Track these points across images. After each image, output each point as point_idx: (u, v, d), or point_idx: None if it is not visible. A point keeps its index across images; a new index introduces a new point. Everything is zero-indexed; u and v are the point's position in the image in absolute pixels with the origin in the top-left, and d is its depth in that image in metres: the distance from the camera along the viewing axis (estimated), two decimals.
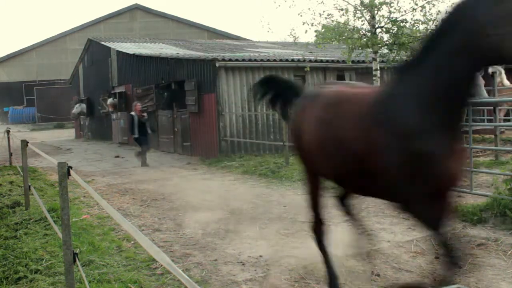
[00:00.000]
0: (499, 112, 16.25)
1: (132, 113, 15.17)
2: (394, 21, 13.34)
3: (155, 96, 19.27)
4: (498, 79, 11.82)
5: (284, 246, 5.97)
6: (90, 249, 5.95)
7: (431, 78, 3.21)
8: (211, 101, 15.23)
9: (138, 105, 15.28)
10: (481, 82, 12.14)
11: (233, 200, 8.95)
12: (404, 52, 13.86)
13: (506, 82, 12.92)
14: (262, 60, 15.63)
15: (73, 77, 32.07)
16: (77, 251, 4.65)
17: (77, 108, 28.13)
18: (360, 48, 13.85)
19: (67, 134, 33.21)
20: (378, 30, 13.66)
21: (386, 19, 13.49)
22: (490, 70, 11.80)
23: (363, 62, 16.44)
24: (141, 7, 46.18)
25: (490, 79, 12.88)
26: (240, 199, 9.01)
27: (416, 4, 13.20)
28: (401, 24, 13.41)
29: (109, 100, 24.03)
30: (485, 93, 12.38)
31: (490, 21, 2.93)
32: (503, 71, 12.16)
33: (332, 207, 7.95)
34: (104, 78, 25.59)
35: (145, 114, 15.47)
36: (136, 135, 14.82)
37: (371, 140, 3.38)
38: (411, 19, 13.61)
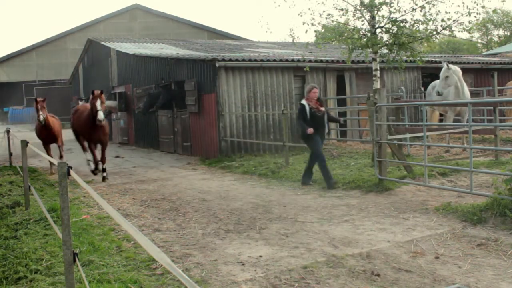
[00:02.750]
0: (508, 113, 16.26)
1: (303, 101, 10.11)
2: (394, 21, 13.34)
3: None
4: (455, 79, 11.75)
5: (284, 246, 5.97)
6: (90, 249, 5.95)
7: None
8: (211, 101, 15.23)
9: (315, 91, 10.02)
10: (461, 80, 12.06)
11: (233, 200, 8.95)
12: (404, 52, 13.87)
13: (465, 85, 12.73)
14: (262, 60, 15.62)
15: (73, 77, 32.10)
16: (77, 251, 4.65)
17: None
18: (360, 48, 13.86)
19: (67, 134, 33.16)
20: (378, 30, 13.66)
21: (386, 19, 13.48)
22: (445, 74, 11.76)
23: (363, 62, 16.45)
24: (141, 7, 46.18)
25: (490, 79, 12.87)
26: (240, 199, 9.01)
27: (416, 4, 13.20)
28: (401, 24, 13.40)
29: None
30: (467, 93, 12.32)
31: None
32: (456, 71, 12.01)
33: (332, 207, 7.97)
34: (104, 78, 25.59)
35: (322, 107, 10.19)
36: (309, 132, 9.75)
37: None
38: (411, 19, 13.59)
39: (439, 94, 11.73)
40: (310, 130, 9.65)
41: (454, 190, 8.11)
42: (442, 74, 11.82)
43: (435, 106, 13.50)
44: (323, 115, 10.06)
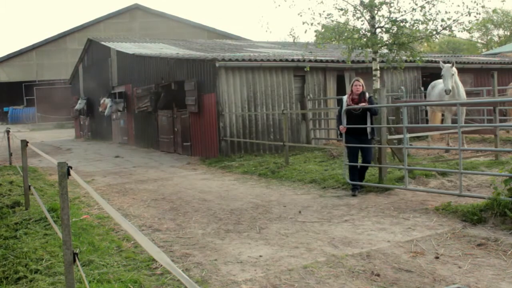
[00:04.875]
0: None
1: (344, 96, 9.14)
2: (394, 21, 13.34)
3: (155, 96, 19.29)
4: (449, 83, 11.71)
5: (284, 246, 5.97)
6: (90, 249, 5.95)
7: None
8: (211, 101, 15.23)
9: (355, 84, 8.90)
10: (458, 81, 12.06)
11: (233, 200, 8.95)
12: (404, 52, 13.88)
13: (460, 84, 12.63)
14: (262, 60, 15.62)
15: (73, 77, 32.08)
16: (77, 251, 4.65)
17: (80, 104, 28.04)
18: (360, 48, 13.86)
19: (67, 134, 33.21)
20: (378, 30, 13.66)
21: (386, 19, 13.48)
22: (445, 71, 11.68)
23: (363, 62, 16.45)
24: (141, 7, 46.21)
25: (490, 79, 12.86)
26: (240, 199, 9.01)
27: (416, 4, 13.20)
28: (401, 24, 13.40)
29: (104, 100, 23.93)
30: (463, 94, 12.30)
31: None
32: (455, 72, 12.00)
33: (332, 207, 7.97)
34: (104, 78, 25.59)
35: (362, 103, 8.91)
36: (341, 130, 9.04)
37: None
38: (411, 19, 13.59)
39: (449, 91, 11.64)
40: (341, 128, 8.83)
41: (434, 192, 8.11)
42: (447, 71, 11.75)
43: (435, 107, 13.50)
44: (363, 113, 8.76)
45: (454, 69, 11.91)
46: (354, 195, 8.63)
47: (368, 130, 8.77)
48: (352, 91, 8.88)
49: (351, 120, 8.82)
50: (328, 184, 9.77)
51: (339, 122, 8.99)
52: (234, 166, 13.22)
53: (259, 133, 15.39)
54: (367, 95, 8.82)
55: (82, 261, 5.36)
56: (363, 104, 8.74)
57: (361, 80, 8.94)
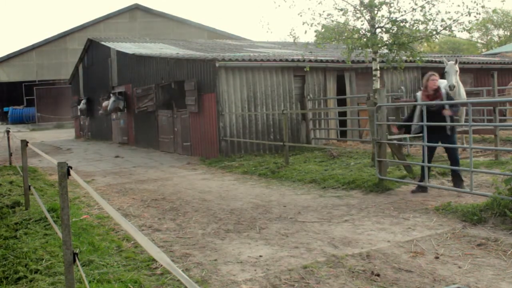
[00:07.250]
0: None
1: (418, 93, 9.05)
2: (394, 21, 13.34)
3: (155, 96, 19.29)
4: (454, 79, 11.64)
5: (284, 246, 5.97)
6: (90, 249, 5.95)
7: None
8: (211, 101, 15.24)
9: (433, 78, 8.54)
10: (459, 82, 12.03)
11: (233, 200, 8.95)
12: (404, 52, 13.88)
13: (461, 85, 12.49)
14: (262, 60, 15.62)
15: (73, 77, 32.08)
16: (77, 251, 4.65)
17: (84, 105, 28.02)
18: (360, 48, 13.86)
19: (67, 134, 33.21)
20: (378, 30, 13.67)
21: (386, 19, 13.49)
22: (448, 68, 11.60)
23: (363, 62, 16.45)
24: (141, 7, 46.21)
25: (490, 79, 12.86)
26: (240, 199, 9.01)
27: (416, 4, 13.21)
28: (401, 24, 13.41)
29: (105, 102, 23.91)
30: (463, 94, 12.27)
31: None
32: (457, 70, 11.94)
33: (332, 207, 7.97)
34: (104, 78, 25.58)
35: (437, 99, 8.50)
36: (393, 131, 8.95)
37: None
38: (411, 19, 13.60)
39: (453, 87, 11.59)
40: (394, 128, 8.64)
41: (454, 190, 8.11)
42: (451, 68, 11.69)
43: None
44: (439, 109, 8.17)
45: (457, 66, 11.92)
46: (422, 191, 8.31)
47: (448, 126, 8.20)
48: (427, 86, 8.45)
49: (428, 118, 8.10)
50: (328, 184, 9.77)
51: (410, 120, 8.66)
52: (234, 166, 13.22)
53: (259, 133, 15.39)
54: (443, 90, 8.50)
55: (82, 261, 5.36)
56: (439, 99, 8.36)
57: (437, 75, 8.52)
